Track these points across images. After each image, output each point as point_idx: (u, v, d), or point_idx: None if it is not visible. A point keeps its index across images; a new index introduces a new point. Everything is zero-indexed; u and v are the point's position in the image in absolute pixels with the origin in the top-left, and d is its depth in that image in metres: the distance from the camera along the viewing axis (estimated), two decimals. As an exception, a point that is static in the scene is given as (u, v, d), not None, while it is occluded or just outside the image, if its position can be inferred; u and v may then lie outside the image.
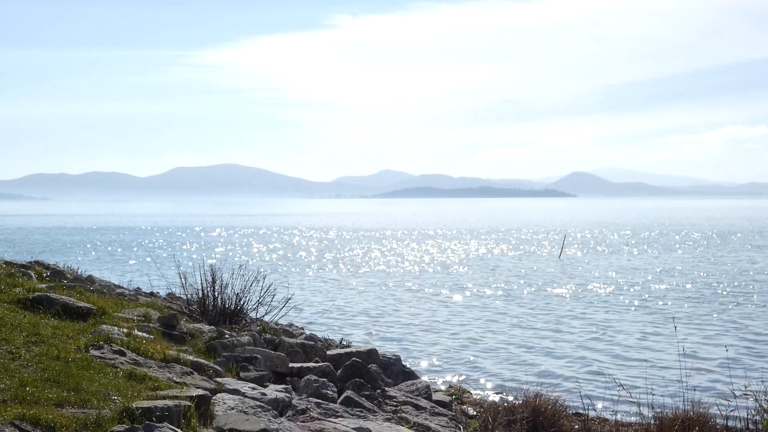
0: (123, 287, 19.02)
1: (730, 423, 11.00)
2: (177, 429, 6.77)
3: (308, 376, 10.52)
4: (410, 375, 13.69)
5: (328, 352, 12.93)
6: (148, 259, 50.26)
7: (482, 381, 17.36)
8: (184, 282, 14.73)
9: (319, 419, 8.43)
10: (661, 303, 30.61)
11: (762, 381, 12.60)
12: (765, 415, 10.67)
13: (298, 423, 8.23)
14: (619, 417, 12.20)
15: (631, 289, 35.48)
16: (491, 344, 22.10)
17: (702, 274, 42.44)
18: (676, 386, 14.08)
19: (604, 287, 36.44)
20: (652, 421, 10.95)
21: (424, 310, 29.54)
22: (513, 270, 46.26)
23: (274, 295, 15.34)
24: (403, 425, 9.45)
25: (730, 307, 29.18)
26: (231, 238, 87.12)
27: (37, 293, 11.55)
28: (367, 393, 10.58)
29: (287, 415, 8.62)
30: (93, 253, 63.15)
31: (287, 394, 9.15)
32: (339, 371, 11.55)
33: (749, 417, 10.97)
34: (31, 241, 80.00)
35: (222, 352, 10.93)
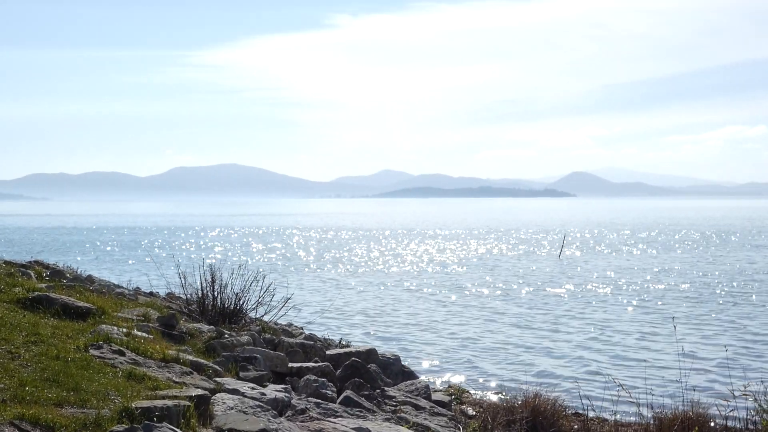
0: (122, 287, 19.03)
1: (730, 423, 11.01)
2: (176, 429, 6.77)
3: (308, 376, 10.52)
4: (409, 375, 13.69)
5: (328, 352, 12.93)
6: (147, 259, 50.26)
7: (481, 381, 17.36)
8: (183, 282, 14.73)
9: (318, 419, 8.43)
10: (660, 303, 30.61)
11: (761, 381, 12.62)
12: (764, 415, 10.68)
13: (297, 423, 8.23)
14: (618, 417, 12.21)
15: (631, 289, 35.49)
16: (490, 344, 22.11)
17: (701, 274, 42.44)
18: (676, 386, 14.09)
19: (603, 287, 36.45)
20: (652, 422, 10.95)
21: (424, 309, 29.55)
22: (512, 270, 46.26)
23: (273, 295, 15.35)
24: (402, 425, 9.45)
25: (729, 307, 29.19)
26: (230, 238, 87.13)
27: (36, 293, 11.55)
28: (366, 393, 10.59)
29: (287, 415, 8.62)
30: (92, 252, 63.16)
31: (287, 394, 9.16)
32: (338, 371, 11.56)
33: (748, 417, 10.98)
34: (30, 240, 80.00)
35: (221, 352, 10.94)
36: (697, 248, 64.45)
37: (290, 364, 11.25)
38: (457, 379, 17.31)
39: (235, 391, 8.73)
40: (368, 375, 11.45)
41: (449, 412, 11.38)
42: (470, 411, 12.33)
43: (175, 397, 7.48)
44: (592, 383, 16.50)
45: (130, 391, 7.71)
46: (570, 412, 12.63)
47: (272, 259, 56.62)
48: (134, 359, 9.07)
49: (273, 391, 9.15)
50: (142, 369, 8.68)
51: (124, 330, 10.35)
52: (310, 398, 9.60)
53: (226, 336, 11.96)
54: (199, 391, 7.94)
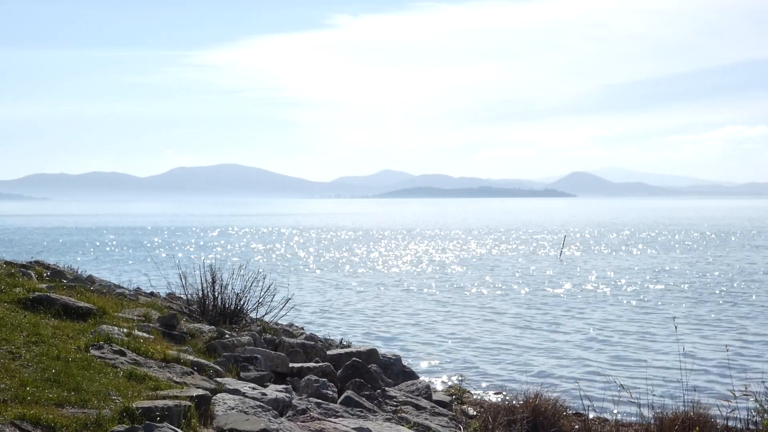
0: (123, 287, 19.01)
1: (730, 423, 11.00)
2: (177, 429, 6.77)
3: (308, 376, 10.52)
4: (410, 375, 13.69)
5: (329, 352, 12.93)
6: (148, 259, 50.26)
7: (482, 381, 17.35)
8: (184, 282, 14.73)
9: (319, 419, 8.43)
10: (660, 303, 30.61)
11: (762, 381, 12.62)
12: (765, 415, 10.67)
13: (298, 423, 8.23)
14: (619, 417, 12.21)
15: (630, 289, 35.48)
16: (491, 344, 22.11)
17: (701, 274, 42.44)
18: (676, 386, 14.07)
19: (603, 287, 36.44)
20: (653, 422, 10.95)
21: (424, 310, 29.54)
22: (513, 270, 46.26)
23: (274, 295, 15.35)
24: (403, 425, 9.45)
25: (729, 307, 29.19)
26: (231, 238, 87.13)
27: (37, 293, 11.55)
28: (367, 393, 10.58)
29: (287, 415, 8.62)
30: (92, 253, 63.16)
31: (287, 394, 9.15)
32: (339, 371, 11.55)
33: (749, 417, 10.97)
34: (30, 241, 80.00)
35: (222, 352, 10.93)
36: (696, 248, 64.45)
37: (291, 365, 11.24)
38: (458, 379, 17.30)
39: (235, 391, 8.73)
40: (369, 375, 11.45)
41: (450, 412, 11.38)
42: (471, 411, 12.33)
43: (176, 397, 7.48)
44: (593, 383, 16.49)
45: (131, 391, 7.71)
46: (571, 412, 12.63)
47: (272, 259, 56.63)
48: (135, 359, 9.07)
49: (274, 391, 9.15)
50: (143, 369, 8.68)
51: (125, 330, 10.35)
52: (310, 398, 9.60)
53: (227, 336, 11.95)
54: (200, 391, 7.94)
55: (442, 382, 16.72)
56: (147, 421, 6.61)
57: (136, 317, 11.99)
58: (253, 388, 9.01)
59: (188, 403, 7.34)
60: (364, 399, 10.24)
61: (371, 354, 12.89)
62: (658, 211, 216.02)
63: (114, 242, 77.92)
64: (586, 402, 12.36)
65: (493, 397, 14.31)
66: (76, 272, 19.09)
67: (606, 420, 12.53)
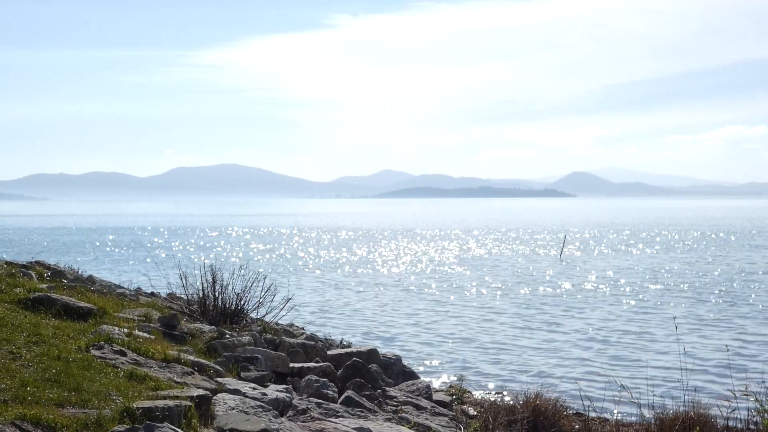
0: (123, 287, 19.00)
1: (731, 423, 11.00)
2: (178, 429, 6.78)
3: (309, 376, 10.52)
4: (411, 375, 13.69)
5: (329, 352, 12.93)
6: (148, 259, 50.26)
7: (483, 381, 17.35)
8: (184, 282, 14.73)
9: (319, 419, 8.44)
10: (660, 303, 30.62)
11: (762, 381, 12.62)
12: (765, 415, 10.67)
13: (298, 423, 8.23)
14: (619, 417, 12.21)
15: (630, 289, 35.49)
16: (491, 344, 22.11)
17: (701, 274, 42.44)
18: (676, 386, 14.08)
19: (603, 287, 36.45)
20: (653, 422, 10.95)
21: (424, 310, 29.55)
22: (513, 270, 46.27)
23: (274, 296, 15.35)
24: (403, 425, 9.45)
25: (729, 307, 29.19)
26: (231, 238, 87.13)
27: (37, 293, 11.55)
28: (367, 393, 10.59)
29: (288, 415, 8.63)
30: (92, 253, 63.16)
31: (288, 394, 9.16)
32: (339, 371, 11.55)
33: (750, 417, 10.97)
34: (31, 241, 80.00)
35: (223, 352, 10.93)
36: (696, 248, 64.46)
37: (291, 365, 11.25)
38: (458, 379, 17.29)
39: (236, 392, 8.74)
40: (369, 375, 11.45)
41: (450, 413, 11.38)
42: (471, 411, 12.33)
43: (177, 398, 7.48)
44: (593, 383, 16.48)
45: (132, 391, 7.71)
46: (571, 412, 12.64)
47: (272, 259, 56.63)
48: (135, 359, 9.07)
49: (274, 391, 9.15)
50: (144, 369, 8.68)
51: (126, 330, 10.35)
52: (311, 398, 9.60)
53: (227, 336, 11.96)
54: (201, 392, 7.95)
55: (443, 382, 16.73)
56: (147, 421, 6.61)
57: (136, 317, 11.99)
58: (254, 388, 9.02)
59: (189, 403, 7.35)
60: (364, 399, 10.24)
61: (371, 354, 12.89)
62: (658, 211, 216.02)
63: (115, 242, 77.91)
64: (587, 402, 12.36)
65: (493, 397, 14.31)
66: (77, 272, 19.10)
67: (606, 420, 12.53)
